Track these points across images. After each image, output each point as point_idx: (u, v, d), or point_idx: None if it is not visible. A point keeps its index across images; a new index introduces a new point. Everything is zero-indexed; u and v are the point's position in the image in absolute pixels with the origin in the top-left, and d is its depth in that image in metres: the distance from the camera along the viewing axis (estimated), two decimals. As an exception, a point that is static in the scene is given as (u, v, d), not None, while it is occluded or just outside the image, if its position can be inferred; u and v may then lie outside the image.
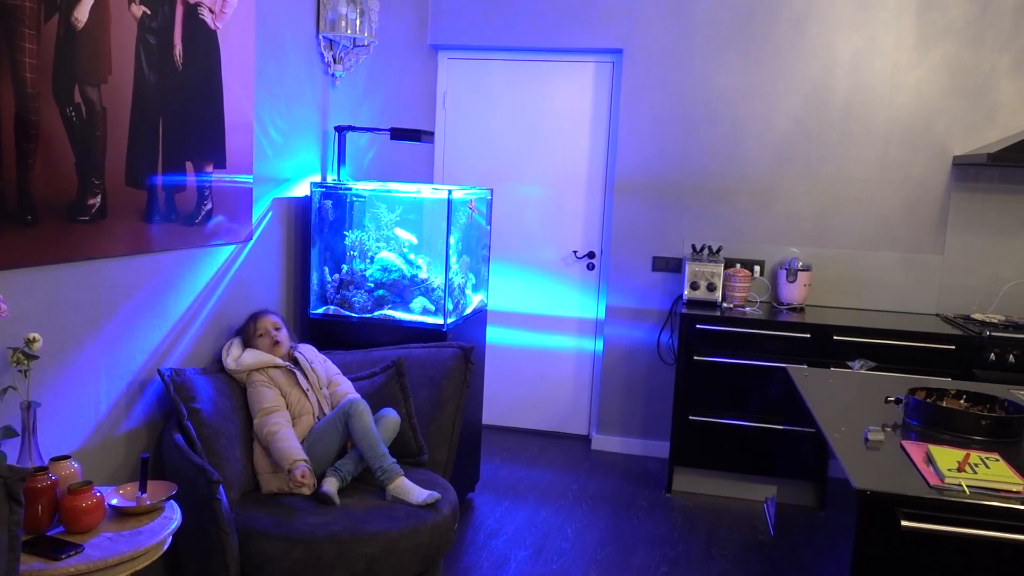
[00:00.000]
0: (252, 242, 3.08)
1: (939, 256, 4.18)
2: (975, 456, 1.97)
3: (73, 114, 2.15)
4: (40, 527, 1.90)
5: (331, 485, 2.59)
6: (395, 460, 2.67)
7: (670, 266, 4.45)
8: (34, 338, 1.98)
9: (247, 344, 2.87)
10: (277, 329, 2.89)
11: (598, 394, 4.68)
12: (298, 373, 2.83)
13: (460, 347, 3.13)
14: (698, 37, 4.31)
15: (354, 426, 2.66)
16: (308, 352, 2.96)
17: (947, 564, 1.82)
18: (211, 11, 2.69)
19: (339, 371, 3.00)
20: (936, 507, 1.79)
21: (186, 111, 2.61)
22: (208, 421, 2.53)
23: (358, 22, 3.47)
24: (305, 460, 2.58)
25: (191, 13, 2.59)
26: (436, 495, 2.59)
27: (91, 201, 2.24)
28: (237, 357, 2.78)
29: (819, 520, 2.43)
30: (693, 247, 4.27)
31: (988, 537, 1.77)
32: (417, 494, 2.57)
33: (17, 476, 1.61)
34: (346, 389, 2.92)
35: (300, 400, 2.78)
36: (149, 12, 2.41)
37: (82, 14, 2.15)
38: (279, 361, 2.82)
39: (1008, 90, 4.04)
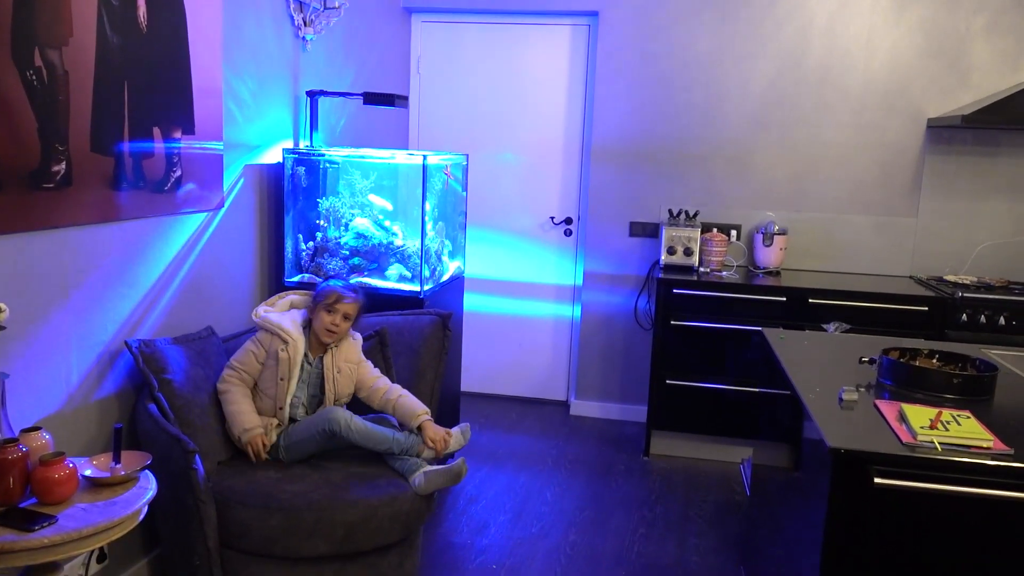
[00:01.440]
0: (224, 210, 3.03)
1: (913, 219, 4.21)
2: (947, 414, 1.99)
3: (34, 77, 2.09)
4: (12, 499, 1.87)
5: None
6: (399, 431, 2.67)
7: (647, 231, 4.44)
8: (0, 308, 1.93)
9: (314, 304, 2.71)
10: (346, 319, 2.71)
11: (576, 360, 4.69)
12: (309, 368, 2.69)
13: (438, 314, 3.11)
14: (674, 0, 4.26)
15: (351, 437, 2.56)
16: (351, 351, 2.77)
17: (919, 520, 1.85)
18: (175, -29, 2.61)
19: (376, 372, 2.82)
20: (908, 464, 1.81)
21: (152, 75, 2.55)
22: (180, 392, 2.50)
23: (328, -16, 3.40)
24: (258, 428, 2.59)
25: (155, -27, 2.52)
26: (465, 424, 2.71)
27: (55, 168, 2.18)
28: (267, 311, 2.71)
29: (794, 480, 2.45)
30: (670, 212, 4.26)
31: (959, 493, 1.79)
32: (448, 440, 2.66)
33: (-15, 448, 1.58)
34: (383, 385, 2.76)
35: (272, 386, 2.65)
36: (110, -28, 2.33)
37: (40, -27, 2.08)
38: (301, 342, 2.67)
39: (983, 52, 4.05)
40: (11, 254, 2.09)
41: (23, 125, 2.07)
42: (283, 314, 2.74)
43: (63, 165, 2.21)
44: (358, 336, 2.84)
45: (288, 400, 2.65)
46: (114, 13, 2.36)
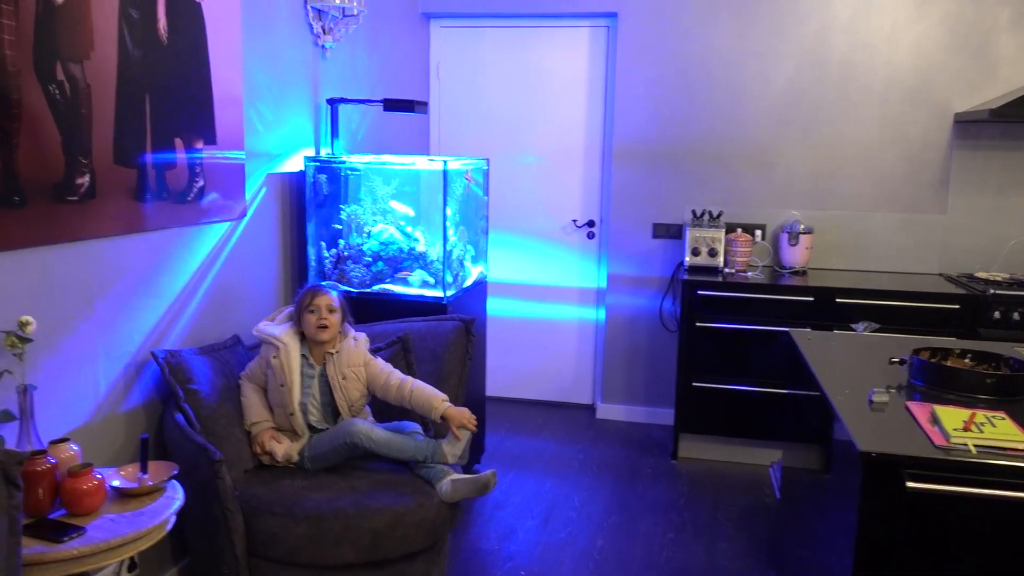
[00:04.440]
0: (247, 219, 3.05)
1: (941, 215, 4.14)
2: (981, 415, 1.94)
3: (57, 92, 2.11)
4: (41, 510, 1.89)
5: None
6: (421, 435, 2.67)
7: (671, 232, 4.41)
8: (27, 321, 1.95)
9: (298, 315, 2.71)
10: (331, 312, 2.69)
11: (601, 363, 4.66)
12: (311, 372, 2.69)
13: (461, 319, 3.10)
14: (694, -2, 4.23)
15: (374, 448, 2.57)
16: (353, 354, 2.73)
17: (954, 525, 1.81)
18: (195, -17, 2.63)
19: (387, 368, 2.77)
20: (942, 467, 1.77)
21: (173, 87, 2.57)
22: (206, 402, 2.51)
23: (347, -9, 3.40)
24: (266, 422, 2.64)
25: (174, -14, 2.54)
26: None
27: (79, 180, 2.20)
28: (265, 324, 2.74)
29: (825, 483, 2.41)
30: (693, 213, 4.23)
31: (996, 496, 1.75)
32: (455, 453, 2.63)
33: (14, 460, 1.59)
34: (396, 379, 2.73)
35: (277, 395, 2.65)
36: (131, -15, 2.35)
37: (62, -11, 2.10)
38: (293, 347, 2.67)
39: (1009, 44, 3.97)
40: (37, 267, 2.11)
41: (47, 139, 2.09)
42: (278, 324, 2.75)
43: (87, 178, 2.23)
44: (362, 336, 2.81)
45: (295, 406, 2.64)
46: (135, 26, 2.38)
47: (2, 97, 1.95)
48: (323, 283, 2.82)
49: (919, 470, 1.77)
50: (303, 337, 2.73)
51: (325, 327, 2.68)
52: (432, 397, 2.68)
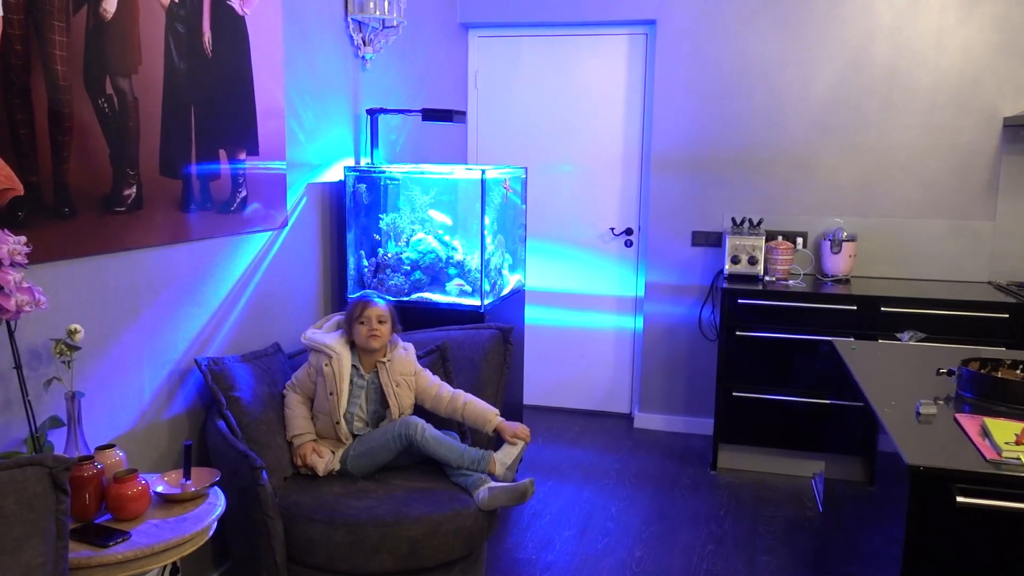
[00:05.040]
0: (288, 228, 3.09)
1: (990, 222, 4.04)
2: (1034, 428, 1.89)
3: (105, 105, 2.16)
4: (88, 515, 1.92)
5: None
6: (471, 448, 2.68)
7: (710, 240, 4.37)
8: (76, 329, 2.00)
9: (349, 326, 2.75)
10: (382, 322, 2.72)
11: (639, 372, 4.63)
12: (361, 382, 2.72)
13: (499, 328, 3.10)
14: (732, 4, 4.19)
15: (426, 445, 2.59)
16: (405, 363, 2.78)
17: (1006, 541, 1.76)
18: (238, -3, 2.67)
19: (436, 380, 2.82)
20: (993, 482, 1.72)
21: (217, 99, 2.61)
22: (248, 409, 2.54)
23: (387, 3, 3.44)
24: (308, 435, 2.66)
25: (219, 0, 2.58)
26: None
27: (127, 192, 2.25)
28: (313, 332, 2.77)
29: (869, 495, 2.36)
30: (733, 220, 4.18)
31: (1049, 512, 1.70)
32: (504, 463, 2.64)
33: (62, 465, 1.63)
34: (447, 392, 2.78)
35: (325, 402, 2.68)
36: (177, 0, 2.40)
37: (110, 4, 2.15)
38: (345, 356, 2.70)
39: (1062, 46, 3.87)
40: (85, 276, 2.16)
41: (96, 151, 2.14)
42: (328, 333, 2.78)
43: (134, 189, 2.28)
44: (410, 347, 2.85)
45: (341, 414, 2.67)
46: (180, 40, 2.43)
47: (54, 111, 2.00)
48: (370, 293, 2.86)
49: (969, 485, 1.73)
50: (352, 346, 2.76)
51: (377, 337, 2.72)
52: (486, 411, 2.74)
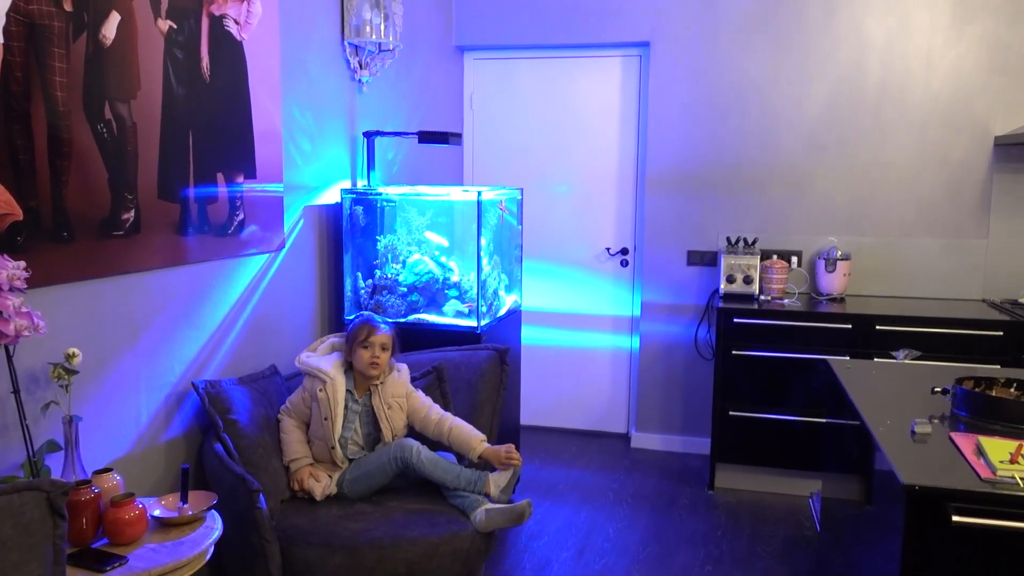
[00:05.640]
0: (285, 250, 3.10)
1: (983, 240, 4.07)
2: (1028, 447, 1.90)
3: (104, 130, 2.18)
4: (85, 540, 1.92)
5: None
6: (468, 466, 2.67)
7: (705, 260, 4.39)
8: (74, 353, 2.00)
9: (350, 346, 2.73)
10: (384, 349, 2.71)
11: (636, 391, 4.63)
12: (356, 407, 2.71)
13: (495, 349, 3.11)
14: (726, 26, 4.24)
15: (422, 467, 2.58)
16: (397, 385, 2.77)
17: (1002, 560, 1.76)
18: (236, 22, 2.70)
19: (427, 401, 2.81)
20: (989, 501, 1.72)
21: (215, 123, 2.63)
22: (245, 432, 2.54)
23: (383, 27, 3.48)
24: (305, 459, 2.65)
25: (217, 25, 2.61)
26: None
27: (125, 216, 2.26)
28: (308, 355, 2.74)
29: (867, 515, 2.37)
30: (728, 240, 4.21)
31: (1045, 531, 1.70)
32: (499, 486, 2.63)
33: (60, 490, 1.63)
34: (435, 415, 2.76)
35: (320, 427, 2.66)
36: (175, 26, 2.43)
37: (110, 31, 2.18)
38: (339, 381, 2.68)
39: (1050, 67, 3.92)
40: (83, 300, 2.17)
41: (95, 176, 2.16)
42: (323, 356, 2.76)
43: (132, 213, 2.29)
44: (403, 367, 2.83)
45: (336, 439, 2.65)
46: (179, 65, 2.45)
47: (53, 136, 2.02)
48: (376, 317, 2.80)
49: (965, 504, 1.73)
50: (349, 366, 2.75)
51: (377, 364, 2.70)
52: (471, 437, 2.70)
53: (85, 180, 2.13)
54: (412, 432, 2.80)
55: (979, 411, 2.21)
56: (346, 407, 2.70)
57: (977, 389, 2.33)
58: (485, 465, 2.71)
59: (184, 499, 2.14)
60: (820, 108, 4.19)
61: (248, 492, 2.28)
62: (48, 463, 1.99)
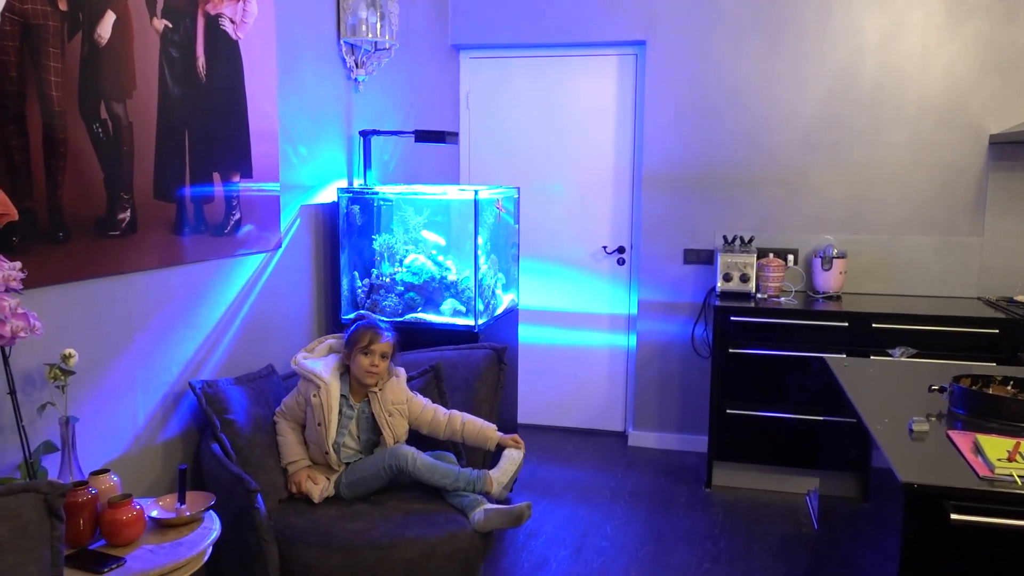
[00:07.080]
0: (281, 250, 3.10)
1: (978, 238, 4.08)
2: (1026, 444, 1.90)
3: (100, 130, 2.17)
4: (82, 541, 1.91)
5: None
6: (467, 468, 2.67)
7: (702, 258, 4.39)
8: (70, 354, 1.99)
9: (350, 350, 2.68)
10: (384, 358, 2.67)
11: (633, 390, 4.64)
12: (350, 412, 2.68)
13: (493, 348, 3.11)
14: (721, 24, 4.24)
15: (418, 473, 2.57)
16: (396, 391, 2.73)
17: (1000, 558, 1.77)
18: (232, 21, 2.70)
19: (429, 403, 2.80)
20: (987, 499, 1.73)
21: (211, 122, 2.62)
22: (242, 432, 2.53)
23: (379, 26, 3.47)
24: (303, 461, 2.64)
25: (212, 24, 2.60)
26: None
27: (121, 216, 2.26)
28: (304, 357, 2.71)
29: (864, 512, 2.37)
30: (724, 238, 4.21)
31: (1043, 528, 1.71)
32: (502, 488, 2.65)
33: (57, 491, 1.62)
34: (443, 416, 2.77)
35: (314, 431, 2.64)
36: (171, 25, 2.42)
37: (105, 31, 2.17)
38: (334, 387, 2.64)
39: (1045, 65, 3.93)
40: (80, 300, 2.16)
41: (90, 176, 2.15)
42: (319, 359, 2.71)
43: (128, 213, 2.28)
44: (401, 372, 2.80)
45: (330, 444, 2.62)
46: (175, 65, 2.44)
47: (48, 136, 2.01)
48: (379, 322, 2.75)
49: (963, 502, 1.74)
50: (346, 369, 2.72)
51: (374, 372, 2.66)
52: (484, 428, 2.77)
53: (81, 180, 2.12)
54: (416, 435, 2.79)
55: (976, 409, 2.21)
56: (340, 412, 2.67)
57: (974, 387, 2.33)
58: (491, 458, 2.72)
59: (182, 500, 2.13)
60: (815, 107, 4.19)
61: (246, 492, 2.27)
62: (45, 464, 1.98)
